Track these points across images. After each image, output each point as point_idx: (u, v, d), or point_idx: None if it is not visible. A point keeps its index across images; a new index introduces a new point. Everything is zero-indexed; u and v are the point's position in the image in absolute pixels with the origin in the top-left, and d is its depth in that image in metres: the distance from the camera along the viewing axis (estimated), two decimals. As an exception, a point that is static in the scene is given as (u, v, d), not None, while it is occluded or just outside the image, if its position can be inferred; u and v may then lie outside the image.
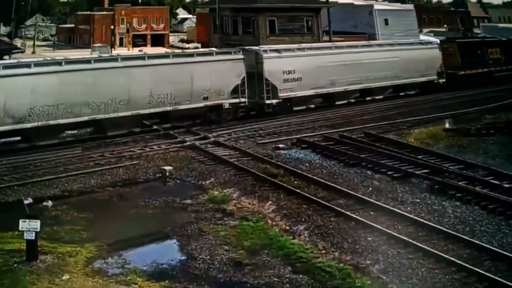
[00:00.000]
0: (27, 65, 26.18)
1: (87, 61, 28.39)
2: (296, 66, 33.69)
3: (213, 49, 34.20)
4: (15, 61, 29.06)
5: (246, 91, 31.70)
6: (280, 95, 32.95)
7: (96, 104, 27.02)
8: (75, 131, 28.33)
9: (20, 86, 25.12)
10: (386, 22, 65.43)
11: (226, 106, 31.21)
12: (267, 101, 32.48)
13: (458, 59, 44.17)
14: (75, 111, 26.44)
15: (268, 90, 32.38)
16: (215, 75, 30.57)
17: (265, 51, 33.41)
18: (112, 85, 27.46)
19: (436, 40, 47.53)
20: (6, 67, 25.69)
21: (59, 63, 27.14)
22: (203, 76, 30.15)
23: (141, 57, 30.66)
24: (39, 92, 25.42)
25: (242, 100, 31.64)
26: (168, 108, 29.35)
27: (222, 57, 31.82)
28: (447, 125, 29.51)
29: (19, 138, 26.13)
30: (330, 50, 37.05)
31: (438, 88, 41.09)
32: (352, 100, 37.39)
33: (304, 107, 34.69)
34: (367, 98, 37.80)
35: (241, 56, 32.06)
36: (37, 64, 26.63)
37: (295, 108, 33.92)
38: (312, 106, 35.73)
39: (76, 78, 26.58)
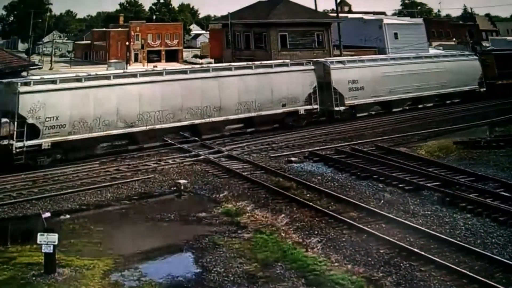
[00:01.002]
0: (134, 75, 28.89)
1: (184, 71, 31.10)
2: (359, 76, 36.45)
3: (287, 61, 36.56)
4: (121, 71, 32.37)
5: (318, 99, 34.18)
6: (346, 102, 35.59)
7: (193, 110, 29.41)
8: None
9: (129, 94, 27.74)
10: (396, 36, 65.53)
11: (302, 112, 33.75)
12: (336, 108, 35.19)
13: (495, 70, 46.41)
14: (177, 117, 28.88)
15: (336, 98, 35.16)
16: (291, 84, 33.28)
17: (331, 62, 36.20)
18: (206, 93, 30.11)
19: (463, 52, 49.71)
20: (116, 76, 28.32)
21: (160, 73, 29.97)
22: (281, 85, 32.91)
23: (229, 68, 32.84)
24: (145, 99, 28.11)
25: (315, 107, 34.23)
26: (253, 114, 31.87)
27: (296, 68, 34.44)
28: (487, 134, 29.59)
29: (127, 141, 28.20)
30: (387, 61, 39.77)
31: (478, 97, 43.29)
32: (406, 108, 39.60)
33: (366, 113, 37.10)
34: (419, 106, 40.08)
35: (312, 67, 34.68)
36: (142, 74, 29.35)
37: (358, 115, 36.35)
38: (373, 112, 37.88)
39: (175, 87, 29.29)
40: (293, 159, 26.27)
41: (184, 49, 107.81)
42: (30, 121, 25.00)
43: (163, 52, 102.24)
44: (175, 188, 22.61)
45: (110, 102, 27.10)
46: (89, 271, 14.86)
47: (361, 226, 17.25)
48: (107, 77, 28.01)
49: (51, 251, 14.65)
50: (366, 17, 72.13)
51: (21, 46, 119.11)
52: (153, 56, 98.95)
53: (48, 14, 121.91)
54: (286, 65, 34.64)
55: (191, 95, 29.54)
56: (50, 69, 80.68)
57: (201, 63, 77.61)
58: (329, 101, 34.97)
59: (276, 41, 51.28)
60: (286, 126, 33.11)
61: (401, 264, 14.77)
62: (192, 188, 22.55)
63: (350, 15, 72.97)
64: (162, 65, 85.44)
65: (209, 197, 21.50)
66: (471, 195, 19.71)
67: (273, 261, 15.34)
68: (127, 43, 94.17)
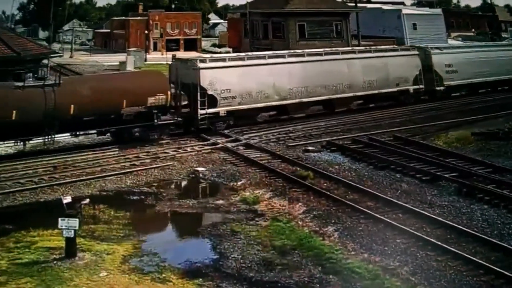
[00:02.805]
0: (283, 56, 32.99)
1: (319, 53, 34.54)
2: (453, 60, 39.84)
3: (396, 46, 41.90)
4: (270, 52, 35.32)
5: (423, 79, 37.46)
6: (444, 83, 38.96)
7: (330, 87, 33.07)
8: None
9: (281, 71, 31.59)
10: (415, 26, 65.08)
11: (411, 91, 37.11)
12: (437, 88, 38.56)
13: None
14: (317, 92, 32.55)
15: (437, 79, 38.53)
16: (402, 66, 36.61)
17: (431, 48, 39.90)
18: (338, 73, 33.63)
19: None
20: (270, 57, 32.42)
21: (302, 55, 33.73)
22: (394, 67, 36.22)
23: (353, 51, 37.06)
24: (293, 76, 31.90)
25: (421, 86, 37.50)
26: (374, 92, 35.23)
27: (405, 52, 38.17)
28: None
29: (275, 112, 32.55)
30: (473, 48, 43.83)
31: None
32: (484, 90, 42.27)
33: (458, 93, 40.50)
34: (498, 88, 42.94)
35: (417, 52, 38.15)
36: (290, 55, 33.26)
37: (452, 94, 39.91)
38: (463, 93, 40.92)
39: (315, 67, 33.01)
40: (310, 148, 26.28)
41: (202, 38, 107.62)
42: (209, 92, 28.89)
43: (182, 41, 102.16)
44: (193, 175, 22.74)
45: (267, 78, 30.98)
46: (109, 256, 15.04)
47: (378, 215, 17.25)
48: (263, 57, 32.33)
49: (72, 236, 14.82)
50: (384, 7, 71.62)
51: (42, 34, 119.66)
52: (171, 45, 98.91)
53: (68, 2, 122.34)
54: (397, 50, 38.94)
55: (326, 73, 33.08)
56: (70, 57, 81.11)
57: (220, 52, 77.78)
58: (430, 81, 38.07)
59: (294, 31, 51.14)
60: (400, 102, 36.59)
61: (418, 254, 14.77)
62: (210, 175, 22.66)
63: (368, 5, 72.47)
64: (181, 54, 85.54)
65: (227, 184, 21.59)
66: (488, 186, 19.63)
67: (290, 249, 15.42)
68: (146, 32, 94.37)
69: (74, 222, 14.78)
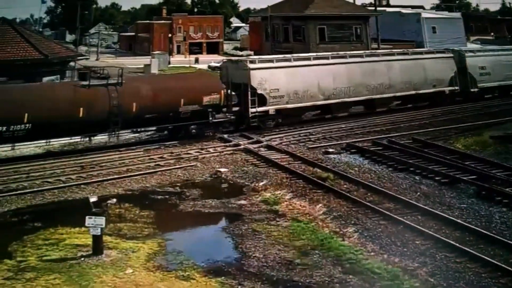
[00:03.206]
0: (326, 57, 34.04)
1: (360, 55, 35.97)
2: (486, 63, 40.33)
3: (431, 49, 42.10)
4: (314, 54, 36.28)
5: (458, 81, 38.18)
6: (478, 85, 39.49)
7: (371, 87, 34.02)
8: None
9: (325, 72, 32.60)
10: (434, 30, 64.61)
11: (446, 92, 37.86)
12: (471, 89, 39.04)
13: None
14: (358, 92, 33.58)
15: (471, 81, 39.00)
16: (438, 68, 37.42)
17: (466, 51, 40.88)
18: (379, 74, 34.56)
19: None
20: (314, 58, 33.73)
21: (344, 56, 34.70)
22: (431, 69, 37.03)
23: (392, 54, 37.93)
24: (337, 77, 32.82)
25: (456, 88, 38.21)
26: (412, 92, 36.09)
27: (440, 55, 38.90)
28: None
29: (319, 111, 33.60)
30: (504, 51, 43.64)
31: None
32: None
33: (491, 95, 40.57)
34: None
35: (452, 55, 38.95)
36: (333, 57, 34.31)
37: (485, 96, 39.98)
38: (496, 94, 40.88)
39: (356, 68, 33.94)
40: (330, 150, 26.26)
41: (224, 42, 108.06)
42: (259, 91, 29.91)
43: (204, 44, 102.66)
44: (215, 176, 22.85)
45: (313, 78, 31.94)
46: (135, 254, 15.17)
47: (397, 217, 17.20)
48: (308, 58, 33.54)
49: (99, 234, 14.98)
50: (404, 11, 71.21)
51: (69, 37, 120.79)
52: (195, 48, 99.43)
53: (94, 6, 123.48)
54: (433, 52, 39.63)
55: (367, 74, 34.06)
56: (97, 59, 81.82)
57: (241, 55, 77.85)
58: (464, 83, 38.68)
59: (314, 34, 51.15)
60: (436, 103, 36.91)
61: (437, 255, 14.71)
62: (232, 176, 22.75)
63: (388, 9, 72.08)
64: (203, 57, 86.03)
65: (249, 185, 21.63)
66: (507, 189, 19.44)
67: (311, 249, 15.43)
68: (169, 35, 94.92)
69: (101, 220, 14.94)
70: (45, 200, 20.00)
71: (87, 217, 14.96)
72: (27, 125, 23.03)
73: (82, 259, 14.72)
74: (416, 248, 15.21)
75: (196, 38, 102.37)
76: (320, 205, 18.84)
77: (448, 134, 29.43)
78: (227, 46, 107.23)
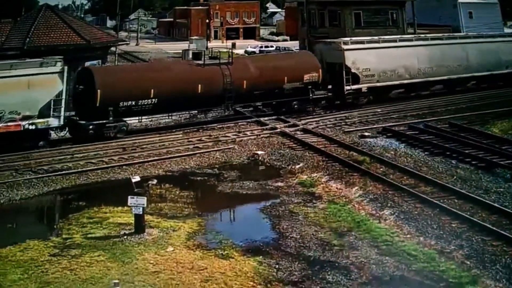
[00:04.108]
0: (410, 40, 35.91)
1: (440, 38, 37.12)
2: None
3: (504, 32, 44.44)
4: (398, 36, 37.63)
5: None
6: None
7: (450, 68, 35.01)
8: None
9: (411, 53, 33.93)
10: (470, 15, 63.19)
11: None
12: None
13: None
14: (440, 72, 34.62)
15: None
16: (509, 51, 37.95)
17: None
18: (457, 55, 35.45)
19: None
20: (401, 40, 35.33)
21: (426, 39, 36.38)
22: (504, 51, 37.68)
23: (468, 36, 39.37)
24: (420, 58, 34.13)
25: None
26: (487, 73, 36.51)
27: (504, 39, 39.78)
28: None
29: (403, 89, 34.63)
30: None
31: None
32: None
33: None
34: None
35: None
36: (417, 39, 36.33)
37: None
38: None
39: (436, 49, 35.03)
40: (366, 134, 26.01)
41: (260, 27, 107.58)
42: (352, 70, 31.28)
43: (241, 30, 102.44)
44: (253, 158, 22.89)
45: (399, 59, 33.10)
46: (175, 233, 15.37)
47: (434, 200, 16.97)
48: (394, 41, 34.78)
49: (140, 213, 15.19)
50: (440, -5, 69.76)
51: (109, 23, 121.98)
52: (231, 34, 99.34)
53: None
54: (505, 36, 40.69)
55: (447, 56, 34.95)
56: (136, 45, 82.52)
57: (277, 40, 77.50)
58: None
59: (350, 19, 50.38)
60: (509, 83, 36.73)
61: (473, 239, 14.49)
62: (269, 159, 22.76)
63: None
64: (240, 42, 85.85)
65: (285, 168, 21.62)
66: (545, 174, 19.02)
67: (347, 231, 15.40)
68: (207, 21, 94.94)
69: (143, 200, 15.14)
70: (88, 180, 20.39)
71: (129, 196, 15.17)
72: (153, 99, 25.46)
73: (125, 237, 14.97)
74: (452, 231, 15.01)
75: (233, 23, 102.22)
76: (356, 187, 18.73)
77: (485, 118, 28.79)
78: (263, 31, 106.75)
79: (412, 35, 37.63)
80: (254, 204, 18.28)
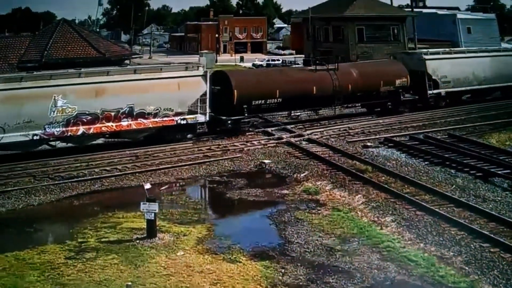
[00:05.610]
0: (475, 51, 38.34)
1: (497, 50, 40.47)
2: None
3: None
4: (465, 48, 41.85)
5: None
6: None
7: (505, 77, 37.04)
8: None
9: (478, 63, 36.37)
10: (469, 30, 63.19)
11: None
12: None
13: None
14: (499, 80, 36.92)
15: None
16: None
17: None
18: (493, 68, 37.14)
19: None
20: (469, 51, 38.43)
21: (487, 50, 39.10)
22: None
23: (497, 50, 41.36)
24: (486, 67, 36.50)
25: None
26: None
27: None
28: None
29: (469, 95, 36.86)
30: None
31: None
32: None
33: None
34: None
35: None
36: (481, 51, 38.58)
37: None
38: None
39: (496, 61, 37.42)
40: (369, 144, 25.99)
41: (267, 41, 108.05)
42: (433, 77, 34.02)
43: (249, 44, 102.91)
44: (260, 167, 22.91)
45: (469, 68, 35.74)
46: (185, 237, 15.38)
47: (433, 208, 16.93)
48: (463, 52, 38.72)
49: (153, 218, 15.23)
50: (440, 12, 69.79)
51: (124, 37, 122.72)
52: (240, 48, 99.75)
53: (147, 8, 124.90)
54: None
55: (503, 66, 37.27)
56: (149, 58, 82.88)
57: (283, 54, 77.62)
58: None
59: (353, 35, 50.51)
60: None
61: (471, 245, 14.43)
62: (275, 167, 22.77)
63: (424, 10, 70.75)
64: (248, 56, 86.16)
65: (291, 176, 21.61)
66: (541, 183, 18.93)
67: (350, 237, 15.38)
68: (216, 35, 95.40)
69: (154, 206, 15.18)
70: (103, 187, 20.43)
71: (142, 202, 15.25)
72: (278, 99, 28.59)
73: (138, 241, 15.01)
74: (451, 238, 14.95)
75: (241, 38, 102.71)
76: (359, 195, 18.70)
77: (482, 129, 28.73)
78: (270, 46, 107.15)
79: (477, 47, 40.64)
80: (261, 211, 18.28)
